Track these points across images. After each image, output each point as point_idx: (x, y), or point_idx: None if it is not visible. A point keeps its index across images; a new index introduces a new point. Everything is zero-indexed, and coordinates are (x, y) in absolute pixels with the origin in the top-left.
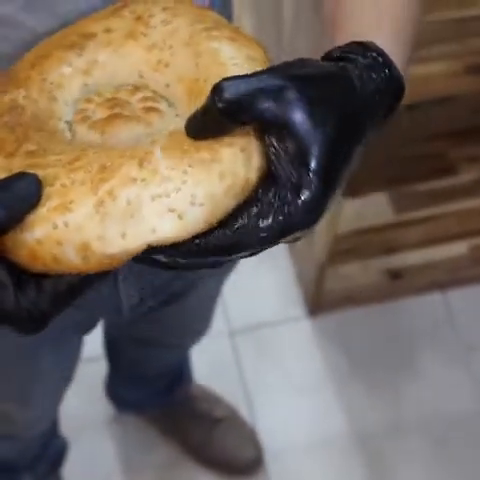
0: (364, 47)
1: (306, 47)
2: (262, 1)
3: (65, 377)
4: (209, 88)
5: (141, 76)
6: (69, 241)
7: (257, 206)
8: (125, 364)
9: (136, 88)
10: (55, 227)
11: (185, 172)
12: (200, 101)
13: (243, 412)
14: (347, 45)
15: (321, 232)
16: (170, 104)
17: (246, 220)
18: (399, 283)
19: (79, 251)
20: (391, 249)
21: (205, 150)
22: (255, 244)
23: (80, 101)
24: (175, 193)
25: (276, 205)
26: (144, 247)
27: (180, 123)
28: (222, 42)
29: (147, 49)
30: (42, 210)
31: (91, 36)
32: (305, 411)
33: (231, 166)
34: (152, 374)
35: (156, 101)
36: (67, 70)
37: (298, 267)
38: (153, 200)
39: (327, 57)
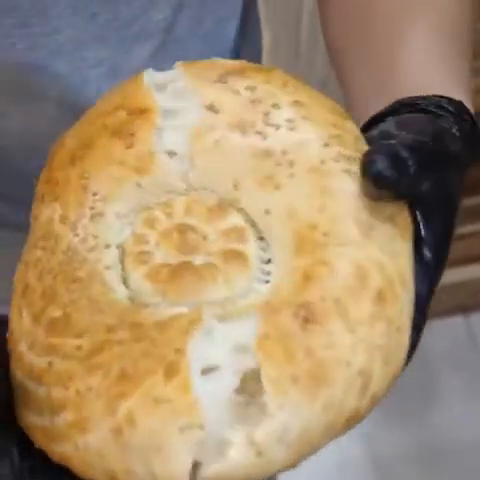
0: (449, 100)
1: (323, 60)
2: (280, 15)
3: None
4: (329, 246)
5: (235, 186)
6: (95, 466)
7: None
8: None
9: (219, 206)
10: (76, 448)
11: (281, 394)
12: (310, 258)
13: None
14: (433, 96)
15: None
16: (262, 241)
17: None
18: None
19: (109, 479)
20: None
21: (314, 367)
22: None
23: (137, 216)
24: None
25: None
26: None
27: (270, 285)
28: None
29: (258, 154)
30: (59, 422)
31: (149, 111)
32: None
33: (342, 393)
34: None
35: (243, 235)
36: (114, 170)
37: None
38: (182, 432)
39: (413, 106)
